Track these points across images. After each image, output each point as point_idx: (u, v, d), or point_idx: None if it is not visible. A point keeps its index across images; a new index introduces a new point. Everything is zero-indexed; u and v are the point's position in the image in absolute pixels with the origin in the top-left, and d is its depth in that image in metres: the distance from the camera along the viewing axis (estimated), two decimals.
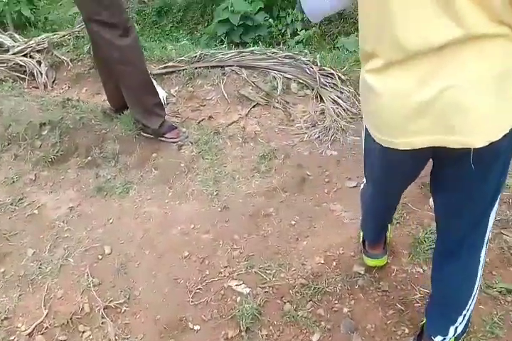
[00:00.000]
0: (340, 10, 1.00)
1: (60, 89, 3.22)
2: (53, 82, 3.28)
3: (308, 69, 2.64)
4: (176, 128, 2.40)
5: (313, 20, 1.07)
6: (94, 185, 2.22)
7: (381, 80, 0.87)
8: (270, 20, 3.94)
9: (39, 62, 3.28)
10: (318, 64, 2.65)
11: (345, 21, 4.18)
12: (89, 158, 2.36)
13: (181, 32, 4.69)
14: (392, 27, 0.78)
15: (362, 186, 1.50)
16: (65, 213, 2.12)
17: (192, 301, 1.66)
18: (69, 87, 3.21)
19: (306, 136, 2.32)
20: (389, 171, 1.09)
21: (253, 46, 3.02)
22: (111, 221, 2.04)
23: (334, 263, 1.71)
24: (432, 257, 1.29)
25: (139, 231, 1.97)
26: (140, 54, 2.23)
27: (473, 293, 1.18)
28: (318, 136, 2.29)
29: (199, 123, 2.52)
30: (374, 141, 0.96)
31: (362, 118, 2.48)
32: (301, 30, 3.89)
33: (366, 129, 1.02)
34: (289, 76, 2.64)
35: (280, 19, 4.05)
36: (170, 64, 2.86)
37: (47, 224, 2.08)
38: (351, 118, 2.45)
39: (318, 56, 2.71)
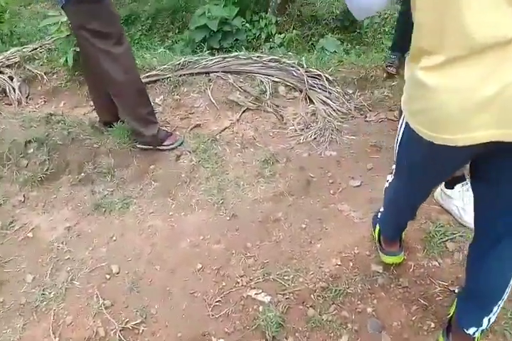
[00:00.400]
0: (384, 9, 1.00)
1: (35, 104, 3.09)
2: (27, 97, 3.15)
3: (295, 71, 2.64)
4: (172, 134, 2.36)
5: (358, 18, 1.08)
6: (90, 202, 2.14)
7: (440, 77, 0.86)
8: (247, 24, 3.94)
9: (11, 78, 3.14)
10: (305, 66, 2.66)
11: (317, 23, 4.23)
12: (83, 174, 2.26)
13: (152, 40, 4.61)
14: (460, 22, 0.79)
15: (387, 184, 1.50)
16: (63, 234, 2.04)
17: (212, 315, 1.63)
18: (45, 102, 3.08)
19: (302, 138, 2.32)
20: (433, 168, 1.09)
21: (233, 51, 3.00)
22: (114, 238, 1.97)
23: (351, 264, 1.71)
24: (469, 250, 1.29)
25: (146, 246, 1.91)
26: (134, 61, 2.16)
27: (510, 282, 1.18)
28: (315, 138, 2.29)
29: (190, 131, 2.47)
30: (420, 138, 0.95)
31: (353, 117, 2.52)
32: (276, 33, 3.91)
33: (407, 127, 1.01)
34: (276, 79, 2.64)
35: (254, 23, 4.06)
36: (153, 73, 2.79)
37: (44, 246, 1.99)
38: (342, 118, 2.47)
39: (303, 58, 2.72)
